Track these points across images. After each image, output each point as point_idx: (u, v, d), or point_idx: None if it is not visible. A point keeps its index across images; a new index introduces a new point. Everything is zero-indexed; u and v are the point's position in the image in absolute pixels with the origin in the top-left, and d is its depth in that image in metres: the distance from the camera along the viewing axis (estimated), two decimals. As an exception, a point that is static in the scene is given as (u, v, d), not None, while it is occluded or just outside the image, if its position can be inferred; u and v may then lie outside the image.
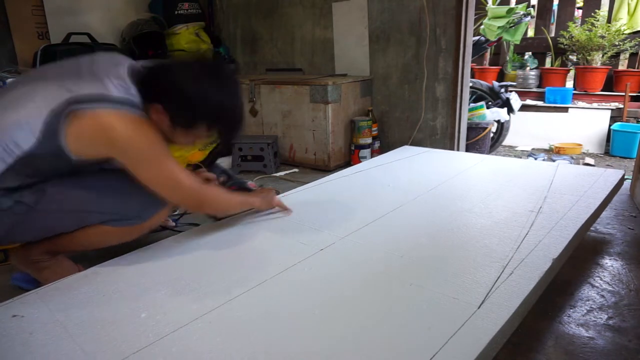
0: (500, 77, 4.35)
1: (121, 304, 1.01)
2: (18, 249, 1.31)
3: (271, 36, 3.38)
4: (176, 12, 3.39)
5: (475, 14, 2.64)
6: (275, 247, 1.28)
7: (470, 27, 2.51)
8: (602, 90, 3.76)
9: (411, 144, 2.76)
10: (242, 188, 1.55)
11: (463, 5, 2.41)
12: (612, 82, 3.76)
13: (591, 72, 3.75)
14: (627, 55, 3.88)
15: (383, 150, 2.88)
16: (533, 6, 4.25)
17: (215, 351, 0.84)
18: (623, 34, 3.68)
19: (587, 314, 1.21)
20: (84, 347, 0.86)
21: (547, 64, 4.22)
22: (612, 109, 3.49)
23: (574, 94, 3.77)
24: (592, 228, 1.75)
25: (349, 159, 2.82)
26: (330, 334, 0.88)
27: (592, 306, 1.25)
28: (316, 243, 1.27)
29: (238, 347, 0.85)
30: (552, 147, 3.48)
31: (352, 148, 2.76)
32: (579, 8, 4.27)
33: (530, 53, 4.32)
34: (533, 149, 3.57)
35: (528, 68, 4.15)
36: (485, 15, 3.28)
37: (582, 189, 1.59)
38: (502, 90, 3.17)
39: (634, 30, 3.76)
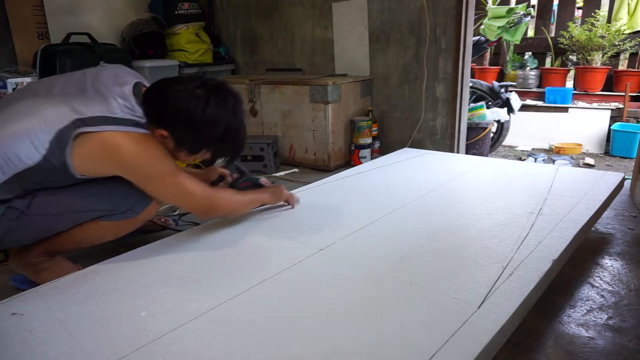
0: (500, 77, 4.35)
1: (121, 302, 1.01)
2: (15, 251, 1.31)
3: (271, 36, 3.38)
4: (176, 12, 3.39)
5: (475, 14, 2.64)
6: (275, 247, 1.28)
7: (470, 27, 2.51)
8: (602, 90, 3.76)
9: (411, 144, 2.76)
10: (254, 184, 1.57)
11: (463, 5, 2.41)
12: (612, 82, 3.76)
13: (591, 72, 3.75)
14: (627, 55, 3.88)
15: (383, 150, 2.88)
16: (533, 6, 4.25)
17: (215, 350, 0.84)
18: (623, 34, 3.68)
19: (587, 314, 1.21)
20: (83, 345, 0.86)
21: (547, 64, 4.22)
22: (612, 109, 3.49)
23: (574, 94, 3.77)
24: (592, 228, 1.75)
25: (349, 159, 2.82)
26: (330, 334, 0.88)
27: (592, 306, 1.25)
28: (316, 243, 1.27)
29: (237, 346, 0.85)
30: (552, 147, 3.47)
31: (352, 148, 2.76)
32: (579, 8, 4.27)
33: (530, 53, 4.32)
34: (533, 149, 3.57)
35: (528, 68, 4.15)
36: (485, 15, 3.28)
37: (582, 191, 1.59)
38: (502, 90, 3.17)
39: (634, 30, 3.76)
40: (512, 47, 4.30)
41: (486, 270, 1.08)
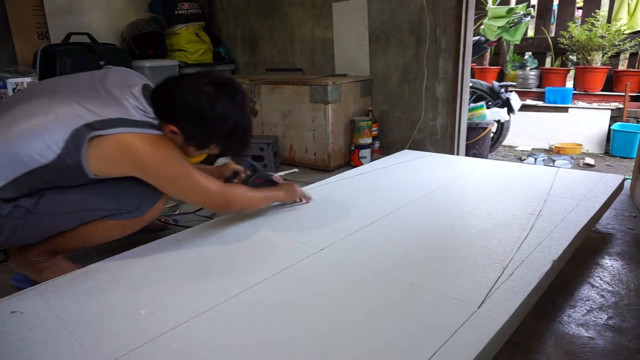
0: (500, 77, 4.35)
1: (120, 300, 1.01)
2: (16, 250, 1.31)
3: (271, 36, 3.38)
4: (176, 12, 3.39)
5: (475, 14, 2.64)
6: (275, 247, 1.28)
7: (470, 27, 2.51)
8: (602, 90, 3.75)
9: (411, 144, 2.76)
10: (267, 181, 1.60)
11: (463, 5, 2.41)
12: (612, 82, 3.76)
13: (591, 72, 3.75)
14: (627, 55, 3.88)
15: (383, 150, 2.88)
16: (533, 6, 4.25)
17: (215, 348, 0.84)
18: (623, 34, 3.68)
19: (587, 314, 1.21)
20: (83, 343, 0.86)
21: (547, 64, 4.22)
22: (612, 109, 3.48)
23: (574, 94, 3.77)
24: (591, 229, 1.75)
25: (349, 159, 2.82)
26: (330, 333, 0.88)
27: (592, 306, 1.25)
28: (316, 243, 1.27)
29: (237, 345, 0.85)
30: (552, 147, 3.47)
31: (352, 148, 2.76)
32: (579, 8, 4.27)
33: (530, 53, 4.32)
34: (533, 149, 3.57)
35: (528, 68, 4.15)
36: (485, 15, 3.28)
37: (582, 193, 1.60)
38: (502, 90, 3.17)
39: (634, 30, 3.76)
40: (512, 47, 4.30)
41: (486, 271, 1.08)
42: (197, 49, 3.48)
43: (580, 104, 3.70)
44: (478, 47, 3.20)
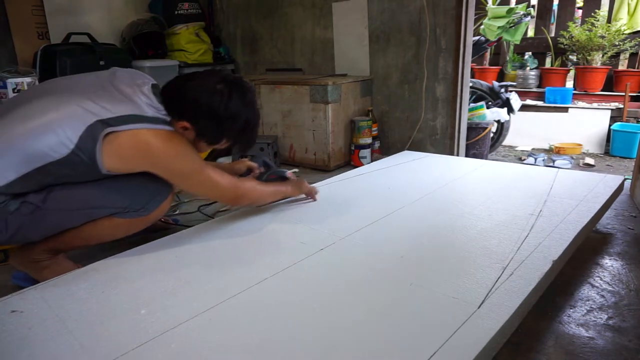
0: (500, 77, 4.35)
1: (120, 300, 1.01)
2: (17, 248, 1.31)
3: (271, 36, 3.38)
4: (176, 12, 3.39)
5: (475, 14, 2.64)
6: (275, 247, 1.29)
7: (470, 27, 2.51)
8: (602, 90, 3.75)
9: (411, 144, 2.76)
10: (280, 177, 1.64)
11: (463, 5, 2.41)
12: (612, 82, 3.76)
13: (591, 72, 3.75)
14: (627, 55, 3.88)
15: (383, 150, 2.88)
16: (533, 6, 4.25)
17: (215, 348, 0.84)
18: (623, 34, 3.68)
19: (587, 314, 1.21)
20: (83, 343, 0.86)
21: (547, 64, 4.22)
22: (612, 109, 3.48)
23: (574, 94, 3.77)
24: (592, 230, 1.75)
25: (349, 159, 2.82)
26: (330, 333, 0.88)
27: (592, 306, 1.25)
28: (316, 243, 1.27)
29: (237, 345, 0.85)
30: (552, 147, 3.47)
31: (352, 148, 2.76)
32: (579, 8, 4.27)
33: (530, 53, 4.32)
34: (533, 149, 3.57)
35: (528, 68, 4.15)
36: (485, 15, 3.28)
37: (582, 194, 1.60)
38: (502, 90, 3.17)
39: (634, 30, 3.76)
40: (512, 47, 4.30)
41: (486, 271, 1.08)
42: (197, 49, 3.48)
43: (580, 104, 3.70)
44: (478, 47, 3.20)
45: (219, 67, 3.59)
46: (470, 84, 3.00)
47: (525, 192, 1.64)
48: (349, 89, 2.73)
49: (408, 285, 1.04)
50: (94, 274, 1.14)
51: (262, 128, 2.97)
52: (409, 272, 1.11)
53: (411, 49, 2.67)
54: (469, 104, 2.79)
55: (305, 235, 1.34)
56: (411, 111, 2.75)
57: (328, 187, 1.81)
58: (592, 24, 3.76)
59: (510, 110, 3.14)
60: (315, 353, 0.83)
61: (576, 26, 3.88)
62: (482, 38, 3.23)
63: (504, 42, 4.21)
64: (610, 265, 1.48)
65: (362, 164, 2.69)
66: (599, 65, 3.79)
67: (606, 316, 1.20)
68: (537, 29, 4.24)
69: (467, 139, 2.80)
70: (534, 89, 4.04)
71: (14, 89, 2.37)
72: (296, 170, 2.72)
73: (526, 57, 4.31)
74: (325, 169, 2.71)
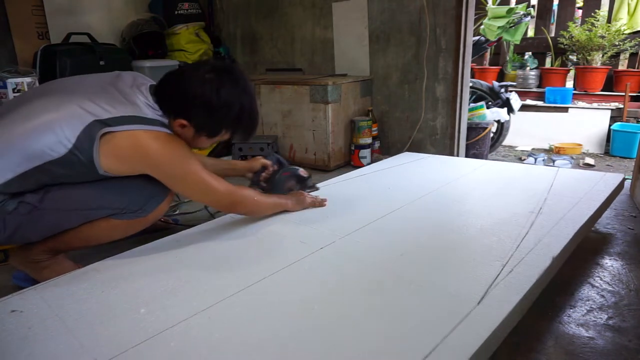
0: (500, 77, 4.35)
1: (120, 299, 1.01)
2: (17, 248, 1.31)
3: (271, 36, 3.38)
4: (176, 12, 3.39)
5: (475, 14, 2.63)
6: (275, 246, 1.29)
7: (470, 27, 2.51)
8: (602, 90, 3.76)
9: (411, 144, 2.76)
10: (294, 175, 1.67)
11: (463, 5, 2.41)
12: (612, 82, 3.76)
13: (591, 72, 3.75)
14: (627, 55, 3.88)
15: (383, 150, 2.88)
16: (533, 6, 4.25)
17: (214, 346, 0.84)
18: (623, 34, 3.68)
19: (587, 314, 1.21)
20: (83, 342, 0.86)
21: (547, 64, 4.23)
22: (612, 109, 3.49)
23: (574, 94, 3.77)
24: (592, 228, 1.75)
25: (349, 159, 2.82)
26: (330, 330, 0.88)
27: (592, 306, 1.25)
28: (316, 242, 1.27)
29: (236, 343, 0.85)
30: (552, 147, 3.47)
31: (352, 148, 2.76)
32: (579, 8, 4.27)
33: (530, 53, 4.32)
34: (533, 149, 3.57)
35: (528, 68, 4.15)
36: (485, 15, 3.28)
37: (582, 192, 1.59)
38: (502, 90, 3.17)
39: (634, 30, 3.76)
40: (512, 47, 4.30)
41: (486, 268, 1.08)
42: (197, 49, 3.48)
43: (580, 104, 3.70)
44: (478, 47, 3.20)
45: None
46: (470, 84, 3.00)
47: (525, 191, 1.64)
48: (349, 89, 2.73)
49: (408, 282, 1.04)
50: (94, 274, 1.14)
51: (262, 128, 2.97)
52: (408, 269, 1.11)
53: (411, 49, 2.67)
54: (469, 104, 2.79)
55: (305, 234, 1.34)
56: (411, 111, 2.75)
57: (328, 187, 1.81)
58: (592, 24, 3.76)
59: (510, 110, 3.14)
60: (314, 349, 0.83)
61: (576, 26, 3.88)
62: (482, 38, 3.23)
63: (504, 42, 4.21)
64: (610, 265, 1.48)
65: (362, 164, 2.69)
66: (599, 65, 3.79)
67: (606, 316, 1.20)
68: (537, 29, 4.24)
69: (467, 139, 2.80)
70: (534, 89, 4.04)
71: (14, 89, 2.37)
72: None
73: (526, 57, 4.31)
74: (325, 169, 2.71)
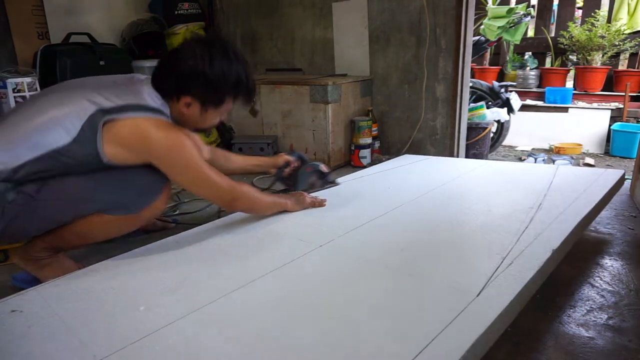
0: (500, 77, 4.35)
1: (120, 298, 1.02)
2: (19, 246, 1.31)
3: (271, 36, 3.38)
4: (176, 12, 3.39)
5: (475, 14, 2.64)
6: (274, 245, 1.29)
7: (470, 27, 2.51)
8: (602, 90, 3.76)
9: (411, 144, 2.76)
10: (315, 170, 1.74)
11: (463, 5, 2.41)
12: (612, 82, 3.76)
13: (591, 72, 3.75)
14: (627, 55, 3.89)
15: (383, 150, 2.88)
16: (533, 6, 4.25)
17: (213, 342, 0.85)
18: (623, 34, 3.68)
19: (587, 314, 1.21)
20: (82, 339, 0.87)
21: (547, 64, 4.23)
22: (612, 109, 3.49)
23: (574, 94, 3.77)
24: (592, 228, 1.75)
25: (349, 159, 2.82)
26: (330, 321, 0.89)
27: (592, 306, 1.25)
28: (315, 240, 1.27)
29: (235, 339, 0.85)
30: (552, 147, 3.48)
31: (352, 148, 2.76)
32: (579, 8, 4.27)
33: (530, 53, 4.32)
34: (533, 149, 3.57)
35: (528, 68, 4.15)
36: (485, 15, 3.28)
37: (582, 187, 1.59)
38: (502, 90, 3.17)
39: (634, 30, 3.76)
40: (512, 47, 4.30)
41: (486, 261, 1.09)
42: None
43: (580, 104, 3.70)
44: (478, 47, 3.20)
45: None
46: (470, 84, 3.00)
47: (525, 187, 1.64)
48: (349, 89, 2.73)
49: (407, 276, 1.04)
50: (95, 275, 1.14)
51: (262, 128, 2.97)
52: (408, 264, 1.11)
53: (411, 49, 2.67)
54: (469, 104, 2.79)
55: (304, 233, 1.34)
56: (411, 111, 2.75)
57: (327, 189, 1.81)
58: (592, 24, 3.76)
59: (510, 110, 3.14)
60: (315, 342, 0.83)
61: (576, 26, 3.88)
62: (482, 38, 3.23)
63: (504, 42, 4.21)
64: (610, 265, 1.48)
65: (362, 164, 2.69)
66: (599, 65, 3.79)
67: (606, 316, 1.20)
68: (537, 29, 4.24)
69: (467, 139, 2.80)
70: (534, 89, 4.04)
71: (14, 89, 2.37)
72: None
73: (526, 57, 4.31)
74: (325, 169, 2.71)
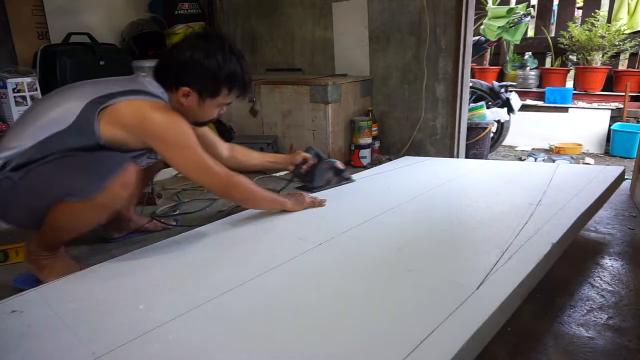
0: (500, 77, 4.35)
1: (119, 298, 1.02)
2: (25, 245, 1.32)
3: (271, 36, 3.38)
4: (176, 12, 3.39)
5: (475, 14, 2.64)
6: (273, 243, 1.29)
7: (470, 27, 2.51)
8: (602, 90, 3.76)
9: (411, 144, 2.76)
10: (332, 167, 1.82)
11: (463, 5, 2.41)
12: (612, 82, 3.76)
13: (591, 72, 3.75)
14: (627, 55, 3.88)
15: (383, 150, 2.88)
16: (533, 6, 4.25)
17: (212, 339, 0.85)
18: (623, 34, 3.68)
19: (587, 314, 1.21)
20: (81, 337, 0.87)
21: (547, 64, 4.23)
22: (612, 109, 3.49)
23: (574, 94, 3.77)
24: (592, 228, 1.75)
25: (349, 159, 2.82)
26: (329, 319, 0.89)
27: (592, 306, 1.25)
28: (315, 238, 1.27)
29: (234, 336, 0.86)
30: (552, 147, 3.48)
31: (352, 148, 2.76)
32: (579, 8, 4.27)
33: (530, 53, 4.32)
34: (533, 149, 3.57)
35: (528, 68, 4.15)
36: (485, 15, 3.28)
37: (582, 184, 1.59)
38: (502, 90, 3.17)
39: (634, 30, 3.76)
40: (512, 47, 4.30)
41: (485, 255, 1.09)
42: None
43: (580, 104, 3.70)
44: (478, 47, 3.20)
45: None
46: (470, 84, 3.00)
47: (524, 186, 1.64)
48: (349, 89, 2.73)
49: (406, 272, 1.05)
50: (94, 275, 1.14)
51: (262, 128, 2.97)
52: (407, 260, 1.12)
53: (411, 49, 2.67)
54: (469, 104, 2.79)
55: (304, 231, 1.34)
56: (411, 111, 2.75)
57: (327, 189, 1.81)
58: (592, 24, 3.76)
59: (510, 110, 3.14)
60: (314, 339, 0.83)
61: (576, 26, 3.88)
62: (482, 38, 3.23)
63: (504, 42, 4.21)
64: (610, 265, 1.48)
65: (362, 164, 2.69)
66: (599, 65, 3.79)
67: (606, 316, 1.20)
68: (537, 29, 4.24)
69: (467, 139, 2.80)
70: (534, 89, 4.04)
71: (14, 89, 2.37)
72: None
73: (526, 57, 4.31)
74: (325, 169, 2.71)
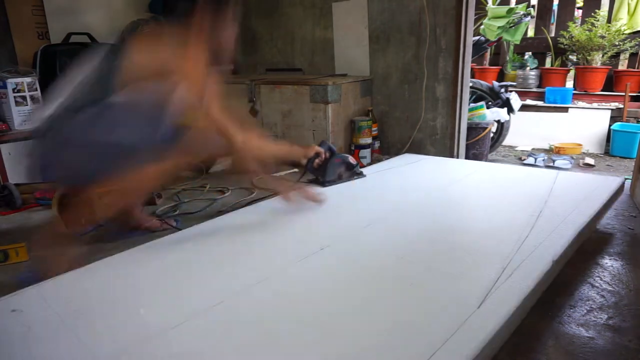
0: (500, 77, 4.35)
1: (120, 299, 1.02)
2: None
3: (271, 36, 3.38)
4: (176, 12, 3.39)
5: (475, 14, 2.64)
6: (274, 247, 1.29)
7: (470, 27, 2.51)
8: (602, 90, 3.75)
9: (411, 144, 2.76)
10: (344, 162, 1.88)
11: (463, 5, 2.41)
12: (612, 82, 3.76)
13: (591, 72, 3.75)
14: (627, 55, 3.88)
15: (383, 150, 2.88)
16: (533, 6, 4.25)
17: (214, 346, 0.85)
18: (623, 34, 3.68)
19: (587, 314, 1.21)
20: (82, 339, 0.87)
21: (547, 64, 4.22)
22: (612, 109, 3.48)
23: (574, 94, 3.77)
24: (593, 230, 1.75)
25: (349, 159, 2.82)
26: (328, 332, 0.88)
27: (592, 306, 1.25)
28: (314, 243, 1.27)
29: (235, 342, 0.86)
30: (552, 147, 3.47)
31: (352, 148, 2.76)
32: (579, 8, 4.27)
33: (530, 53, 4.32)
34: (533, 149, 3.57)
35: (528, 68, 4.15)
36: (485, 15, 3.28)
37: (583, 194, 1.59)
38: (502, 90, 3.17)
39: (634, 30, 3.76)
40: (512, 47, 4.30)
41: (486, 271, 1.08)
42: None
43: (580, 104, 3.70)
44: (478, 47, 3.20)
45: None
46: (470, 84, 3.00)
47: (525, 194, 1.64)
48: (349, 89, 2.73)
49: (407, 285, 1.04)
50: (94, 274, 1.14)
51: (262, 128, 2.97)
52: (408, 272, 1.11)
53: (411, 49, 2.67)
54: (469, 104, 2.79)
55: (304, 236, 1.34)
56: (411, 111, 2.75)
57: (326, 189, 1.81)
58: (592, 24, 3.76)
59: (510, 110, 3.14)
60: (313, 351, 0.83)
61: (576, 26, 3.87)
62: (482, 38, 3.22)
63: (504, 42, 4.20)
64: (610, 265, 1.48)
65: (362, 164, 2.69)
66: (599, 65, 3.78)
67: (606, 316, 1.20)
68: (537, 29, 4.24)
69: (467, 139, 2.80)
70: (534, 89, 4.04)
71: (14, 89, 2.37)
72: (296, 170, 2.72)
73: (526, 57, 4.31)
74: (325, 169, 2.71)
